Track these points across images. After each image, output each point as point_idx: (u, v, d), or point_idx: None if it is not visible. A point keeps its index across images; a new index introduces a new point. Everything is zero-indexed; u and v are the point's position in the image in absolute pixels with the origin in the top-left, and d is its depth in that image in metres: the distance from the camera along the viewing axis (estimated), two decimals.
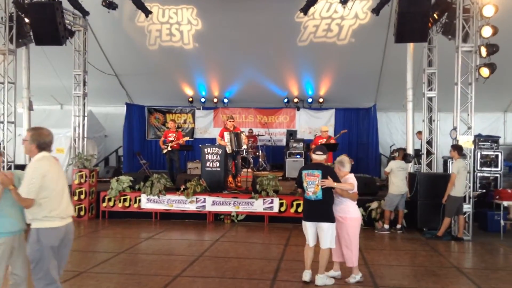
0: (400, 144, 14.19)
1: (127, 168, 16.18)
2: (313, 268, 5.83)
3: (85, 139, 12.28)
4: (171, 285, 5.74)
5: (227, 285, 5.81)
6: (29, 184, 3.85)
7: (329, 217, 5.72)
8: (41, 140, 4.04)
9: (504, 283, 6.06)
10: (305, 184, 5.77)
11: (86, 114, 12.33)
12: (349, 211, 5.91)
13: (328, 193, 5.72)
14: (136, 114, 17.35)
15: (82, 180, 10.84)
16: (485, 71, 9.02)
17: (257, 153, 15.04)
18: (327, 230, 5.69)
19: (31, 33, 10.52)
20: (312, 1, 10.04)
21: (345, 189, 5.76)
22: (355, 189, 5.91)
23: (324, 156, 5.97)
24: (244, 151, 12.40)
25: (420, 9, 9.16)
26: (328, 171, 5.74)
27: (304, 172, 5.82)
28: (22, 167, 11.35)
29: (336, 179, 5.73)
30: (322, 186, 5.61)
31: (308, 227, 5.81)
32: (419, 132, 11.77)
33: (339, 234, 5.89)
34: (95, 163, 13.63)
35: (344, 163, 6.13)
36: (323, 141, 12.58)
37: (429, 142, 10.84)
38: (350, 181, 5.93)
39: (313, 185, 5.69)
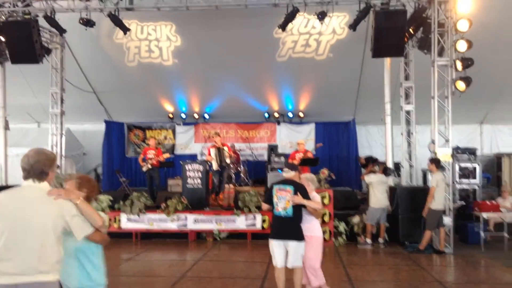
0: (380, 158, 14.30)
1: (106, 186, 15.93)
2: None
3: (63, 158, 12.06)
4: None
5: None
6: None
7: (299, 235, 5.52)
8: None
9: None
10: (275, 200, 5.57)
11: (63, 133, 12.13)
12: (314, 230, 5.82)
13: (298, 210, 5.56)
14: (115, 131, 17.15)
15: None
16: (461, 85, 9.18)
17: (239, 168, 14.98)
18: (296, 248, 5.47)
19: (7, 52, 10.35)
20: (290, 18, 10.10)
21: (314, 207, 5.68)
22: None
23: (293, 173, 5.79)
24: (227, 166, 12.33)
25: (396, 25, 9.34)
26: (299, 188, 5.58)
27: (276, 187, 5.64)
28: (0, 188, 11.12)
29: (307, 196, 5.59)
30: (292, 202, 5.45)
31: (275, 247, 5.54)
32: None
33: (305, 254, 5.66)
34: None
35: (314, 180, 6.13)
36: (300, 155, 12.58)
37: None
38: (317, 199, 5.88)
39: (284, 200, 5.51)
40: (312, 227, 5.78)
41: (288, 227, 5.55)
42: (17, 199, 3.10)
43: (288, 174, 5.78)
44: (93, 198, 3.56)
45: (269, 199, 5.73)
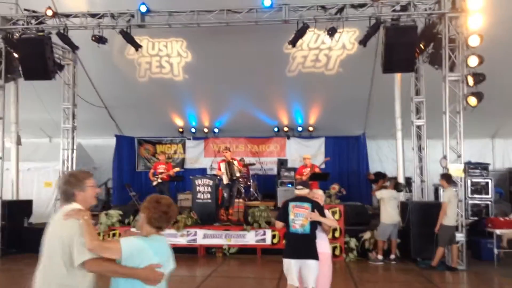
0: (391, 172, 14.21)
1: (117, 201, 15.96)
2: None
3: None
4: None
5: None
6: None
7: (316, 254, 5.41)
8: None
9: None
10: (291, 217, 5.47)
11: (75, 147, 12.23)
12: (325, 246, 5.71)
13: (314, 227, 5.50)
14: (125, 145, 17.24)
15: None
16: (472, 100, 9.13)
17: (248, 183, 14.95)
18: (315, 268, 5.36)
19: (20, 68, 10.49)
20: (300, 34, 10.15)
21: (331, 224, 5.62)
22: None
23: (307, 190, 5.76)
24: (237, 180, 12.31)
25: (407, 40, 9.34)
26: (315, 205, 5.54)
27: (292, 204, 5.55)
28: (11, 203, 11.22)
29: (323, 213, 5.56)
30: (310, 219, 5.38)
31: (293, 266, 5.41)
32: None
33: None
34: None
35: (323, 196, 6.05)
36: (307, 170, 12.53)
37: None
38: (330, 216, 5.85)
39: (302, 217, 5.42)
40: (323, 243, 5.69)
41: (307, 245, 5.46)
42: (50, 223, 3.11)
43: (302, 191, 5.72)
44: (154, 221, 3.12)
45: (283, 216, 5.62)
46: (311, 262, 5.36)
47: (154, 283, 3.01)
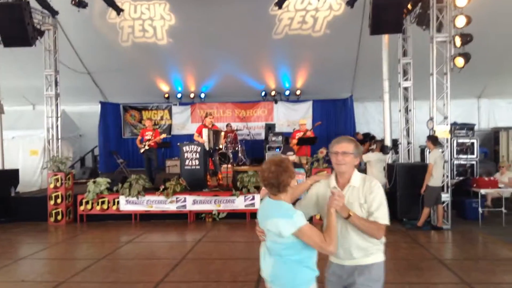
0: (378, 134, 14.30)
1: (103, 168, 15.91)
2: None
3: (60, 140, 11.99)
4: None
5: None
6: (385, 207, 3.02)
7: None
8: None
9: (484, 274, 6.14)
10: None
11: (59, 115, 12.03)
12: None
13: None
14: (111, 112, 17.04)
15: (58, 184, 10.59)
16: (460, 61, 9.10)
17: (236, 148, 14.95)
18: None
19: None
20: None
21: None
22: None
23: (295, 156, 6.10)
24: (223, 147, 12.25)
25: (394, 0, 9.16)
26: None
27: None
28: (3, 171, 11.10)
29: None
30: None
31: None
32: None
33: None
34: (70, 165, 13.36)
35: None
36: (300, 134, 12.55)
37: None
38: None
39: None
40: None
41: None
42: None
43: (292, 157, 5.94)
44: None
45: None
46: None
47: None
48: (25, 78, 14.31)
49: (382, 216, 2.95)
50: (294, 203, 3.15)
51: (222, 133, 11.66)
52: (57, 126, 11.99)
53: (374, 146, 10.28)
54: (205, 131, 11.29)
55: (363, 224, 2.94)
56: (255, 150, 16.23)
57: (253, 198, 10.29)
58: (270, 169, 2.92)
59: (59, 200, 10.53)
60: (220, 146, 11.50)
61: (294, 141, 12.16)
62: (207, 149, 11.18)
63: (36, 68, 12.36)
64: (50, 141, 11.94)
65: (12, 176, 11.66)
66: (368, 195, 2.99)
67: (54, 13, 10.80)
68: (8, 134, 13.15)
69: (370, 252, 3.03)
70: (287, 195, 2.98)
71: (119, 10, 11.12)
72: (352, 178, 3.08)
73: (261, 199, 3.19)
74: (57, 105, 11.97)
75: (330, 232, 2.85)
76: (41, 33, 11.22)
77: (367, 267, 3.02)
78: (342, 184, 3.11)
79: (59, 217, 10.51)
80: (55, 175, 10.64)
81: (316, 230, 2.87)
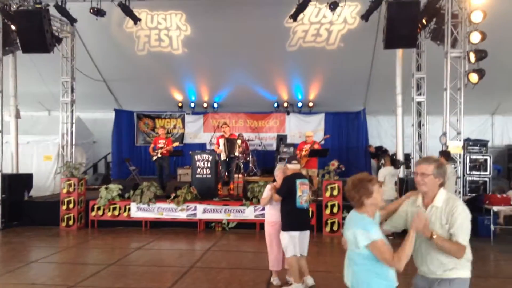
0: (390, 148, 14.25)
1: (116, 175, 16.04)
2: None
3: (74, 146, 12.14)
4: None
5: None
6: (466, 229, 3.09)
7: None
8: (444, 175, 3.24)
9: None
10: (299, 193, 5.88)
11: (74, 121, 12.20)
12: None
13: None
14: (125, 119, 17.21)
15: (71, 189, 10.69)
16: (474, 77, 9.08)
17: (248, 158, 14.99)
18: (308, 237, 6.09)
19: (18, 41, 10.38)
20: (302, 8, 10.01)
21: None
22: None
23: (299, 166, 6.39)
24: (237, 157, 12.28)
25: (409, 15, 9.19)
26: (310, 181, 6.30)
27: (298, 181, 5.93)
28: (11, 176, 11.24)
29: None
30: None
31: (298, 237, 5.88)
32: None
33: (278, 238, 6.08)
34: (83, 171, 13.51)
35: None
36: (307, 146, 12.53)
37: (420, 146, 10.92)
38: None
39: (307, 193, 5.98)
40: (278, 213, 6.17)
41: (308, 218, 6.33)
42: None
43: (297, 166, 6.23)
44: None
45: (289, 192, 5.92)
46: (308, 232, 6.10)
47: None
48: (42, 84, 14.55)
49: (463, 237, 3.03)
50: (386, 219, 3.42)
51: (239, 141, 11.68)
52: (71, 132, 12.17)
53: (382, 161, 10.22)
54: (221, 141, 11.36)
55: (445, 245, 3.03)
56: (266, 161, 16.24)
57: (263, 209, 10.26)
58: (349, 184, 3.17)
59: (71, 205, 10.64)
60: (236, 154, 11.49)
61: (304, 153, 12.15)
62: (223, 158, 11.24)
63: (53, 74, 12.60)
64: (64, 146, 12.11)
65: (26, 180, 11.81)
66: (450, 216, 3.07)
67: (72, 21, 10.99)
68: (23, 139, 13.34)
69: (453, 267, 3.11)
70: (371, 209, 3.13)
71: (136, 20, 11.28)
72: (436, 198, 3.17)
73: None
74: (72, 111, 12.16)
75: (403, 250, 2.96)
76: (59, 40, 11.44)
77: (448, 280, 3.12)
78: (426, 203, 3.22)
79: (71, 222, 10.61)
80: (68, 180, 10.76)
81: (388, 246, 2.99)
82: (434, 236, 3.00)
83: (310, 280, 5.98)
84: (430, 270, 3.17)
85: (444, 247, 3.02)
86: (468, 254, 3.11)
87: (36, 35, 9.88)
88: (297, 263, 5.86)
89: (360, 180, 3.13)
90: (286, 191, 5.97)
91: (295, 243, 5.83)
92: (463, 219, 3.05)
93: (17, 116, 12.21)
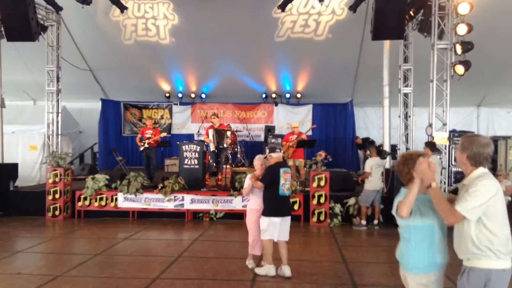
0: (377, 139, 14.36)
1: (102, 165, 15.95)
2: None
3: (60, 136, 12.02)
4: None
5: (207, 287, 5.77)
6: (473, 201, 2.84)
7: None
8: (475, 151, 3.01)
9: None
10: (282, 182, 6.10)
11: (60, 111, 12.07)
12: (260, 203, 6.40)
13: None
14: (111, 109, 17.08)
15: (57, 179, 10.61)
16: (460, 69, 9.17)
17: (236, 149, 14.98)
18: (289, 222, 6.29)
19: (2, 29, 10.21)
20: None
21: None
22: None
23: (281, 154, 6.75)
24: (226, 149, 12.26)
25: (397, 7, 9.22)
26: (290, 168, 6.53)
27: (282, 170, 6.14)
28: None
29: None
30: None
31: (280, 223, 6.10)
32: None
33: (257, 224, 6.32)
34: (69, 161, 13.40)
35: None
36: (293, 137, 12.57)
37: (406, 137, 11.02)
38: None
39: (289, 182, 6.22)
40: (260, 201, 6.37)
41: (289, 205, 6.54)
42: None
43: (280, 154, 6.52)
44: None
45: (272, 180, 6.10)
46: (289, 218, 6.29)
47: None
48: (27, 73, 14.37)
49: (463, 204, 2.83)
50: None
51: (228, 133, 11.65)
52: (57, 122, 12.05)
53: (368, 152, 10.30)
54: (210, 132, 11.33)
55: (439, 200, 2.94)
56: (254, 152, 16.19)
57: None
58: (398, 161, 3.37)
59: (57, 195, 10.56)
60: (225, 146, 11.47)
61: (290, 143, 12.18)
62: (212, 149, 11.22)
63: (38, 63, 12.44)
64: (50, 136, 11.99)
65: (11, 170, 11.69)
66: (468, 188, 2.90)
67: (58, 9, 10.86)
68: (8, 128, 13.17)
69: (480, 256, 2.89)
70: (416, 185, 3.04)
71: (123, 8, 11.18)
72: (467, 177, 3.05)
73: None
74: (58, 100, 12.03)
75: (406, 198, 3.04)
76: (44, 28, 11.28)
77: (469, 269, 2.94)
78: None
79: (57, 212, 10.54)
80: (54, 170, 10.67)
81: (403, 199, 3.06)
82: (433, 185, 2.94)
83: (287, 271, 6.07)
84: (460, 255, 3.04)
85: (438, 203, 2.92)
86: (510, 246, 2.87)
87: (21, 23, 9.72)
88: (271, 246, 6.11)
89: (410, 154, 3.31)
90: (270, 179, 6.15)
91: (274, 228, 6.05)
92: (476, 192, 2.82)
93: (2, 105, 12.04)
